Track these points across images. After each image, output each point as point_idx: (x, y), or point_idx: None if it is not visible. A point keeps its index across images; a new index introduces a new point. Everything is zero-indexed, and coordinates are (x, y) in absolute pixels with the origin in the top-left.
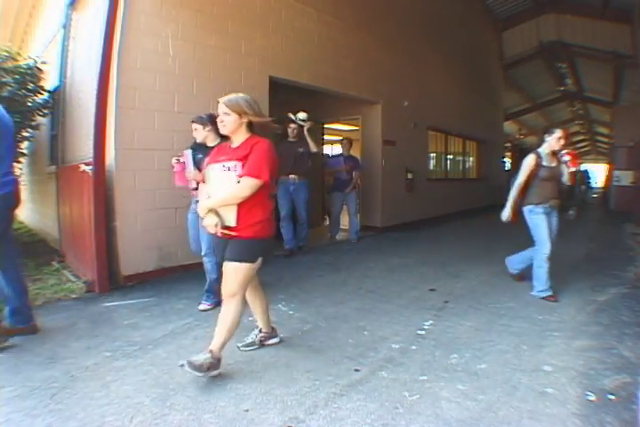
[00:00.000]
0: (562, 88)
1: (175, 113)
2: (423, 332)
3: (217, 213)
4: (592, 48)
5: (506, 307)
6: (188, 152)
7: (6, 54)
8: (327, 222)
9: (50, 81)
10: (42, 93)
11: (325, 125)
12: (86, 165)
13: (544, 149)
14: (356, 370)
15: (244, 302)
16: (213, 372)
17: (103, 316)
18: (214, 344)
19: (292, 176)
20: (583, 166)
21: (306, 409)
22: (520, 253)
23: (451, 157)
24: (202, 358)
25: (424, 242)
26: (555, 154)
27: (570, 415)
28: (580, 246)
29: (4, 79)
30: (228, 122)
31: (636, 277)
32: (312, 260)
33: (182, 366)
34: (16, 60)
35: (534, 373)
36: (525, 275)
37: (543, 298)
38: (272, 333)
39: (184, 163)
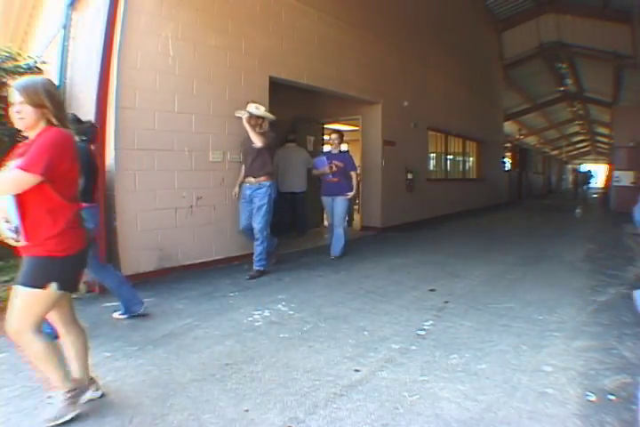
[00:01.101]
0: (562, 88)
1: (175, 113)
2: (423, 332)
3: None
4: (592, 48)
5: (506, 307)
6: None
7: (6, 54)
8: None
9: None
10: None
11: (325, 126)
12: None
13: None
14: (356, 370)
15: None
16: (80, 400)
17: (103, 316)
18: (54, 383)
19: (247, 179)
20: (586, 167)
21: (306, 409)
22: None
23: (451, 157)
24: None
25: (424, 242)
26: None
27: (570, 416)
28: (580, 247)
29: (3, 79)
30: (27, 114)
31: (635, 278)
32: (312, 260)
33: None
34: (16, 60)
35: (534, 373)
36: None
37: None
38: (89, 384)
39: None
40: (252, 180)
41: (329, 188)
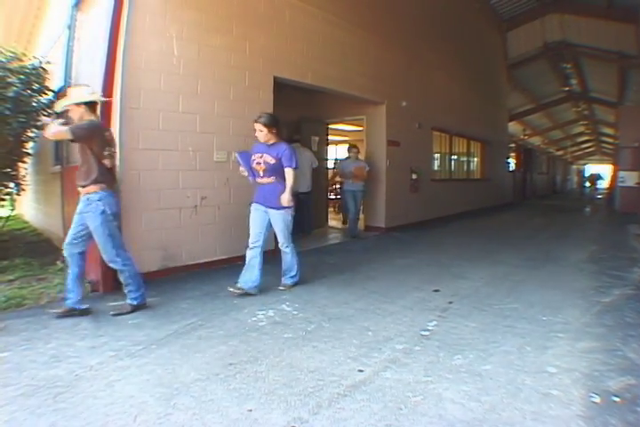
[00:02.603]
0: (566, 88)
1: (180, 113)
2: (427, 333)
3: None
4: (597, 48)
5: (510, 308)
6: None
7: (12, 55)
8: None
9: (55, 81)
10: (47, 94)
11: (330, 126)
12: None
13: None
14: (360, 371)
15: None
16: None
17: (107, 315)
18: None
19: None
20: (590, 169)
21: (309, 409)
22: None
23: (455, 157)
24: None
25: (428, 243)
26: None
27: (574, 417)
28: (585, 248)
29: (9, 79)
30: None
31: None
32: (316, 260)
33: None
34: (21, 60)
35: (538, 374)
36: None
37: None
38: None
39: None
40: (79, 190)
41: (259, 192)
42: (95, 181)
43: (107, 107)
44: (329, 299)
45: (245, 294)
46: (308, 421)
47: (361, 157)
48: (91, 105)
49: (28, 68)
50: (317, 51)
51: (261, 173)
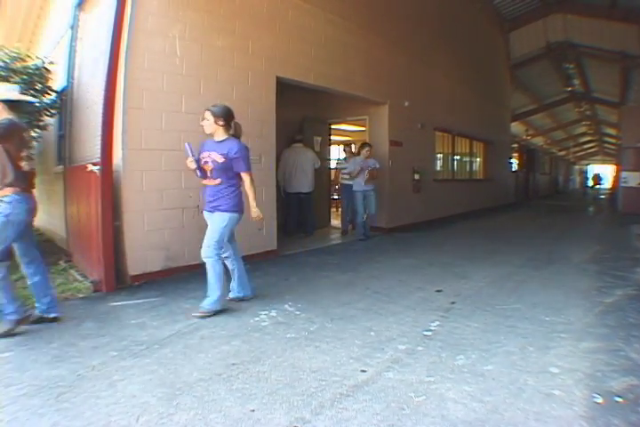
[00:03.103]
0: (569, 89)
1: (182, 113)
2: (430, 333)
3: None
4: (599, 48)
5: (512, 308)
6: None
7: (15, 55)
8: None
9: (57, 81)
10: (49, 94)
11: (332, 126)
12: (94, 165)
13: None
14: (363, 371)
15: None
16: None
17: (110, 315)
18: None
19: None
20: (593, 170)
21: (312, 410)
22: None
23: (457, 157)
24: None
25: (431, 243)
26: None
27: (576, 418)
28: (587, 248)
29: (12, 80)
30: None
31: None
32: (319, 260)
33: None
34: (24, 60)
35: (541, 374)
36: None
37: None
38: None
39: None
40: None
41: (204, 196)
42: (9, 185)
43: (109, 107)
44: (331, 299)
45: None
46: (310, 421)
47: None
48: (12, 105)
49: (31, 69)
50: (320, 51)
51: (209, 174)
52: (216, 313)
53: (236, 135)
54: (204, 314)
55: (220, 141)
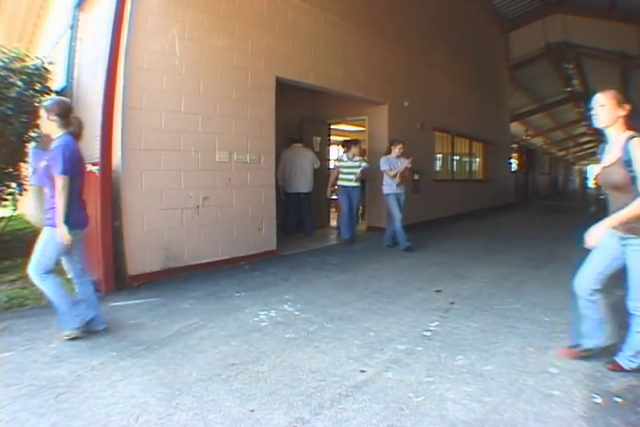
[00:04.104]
0: (568, 89)
1: (182, 113)
2: (429, 333)
3: None
4: (599, 49)
5: (512, 308)
6: None
7: (14, 55)
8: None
9: (57, 81)
10: (49, 94)
11: (332, 126)
12: (93, 165)
13: None
14: (362, 371)
15: None
16: None
17: (109, 315)
18: None
19: None
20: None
21: (311, 410)
22: None
23: (457, 157)
24: None
25: (430, 243)
26: None
27: (576, 418)
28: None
29: (11, 80)
30: None
31: None
32: (318, 261)
33: None
34: (24, 60)
35: (540, 375)
36: None
37: None
38: None
39: None
40: None
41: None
42: None
43: (109, 107)
44: (331, 299)
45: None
46: (309, 421)
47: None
48: None
49: (31, 69)
50: (319, 51)
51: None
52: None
53: (74, 133)
54: (69, 336)
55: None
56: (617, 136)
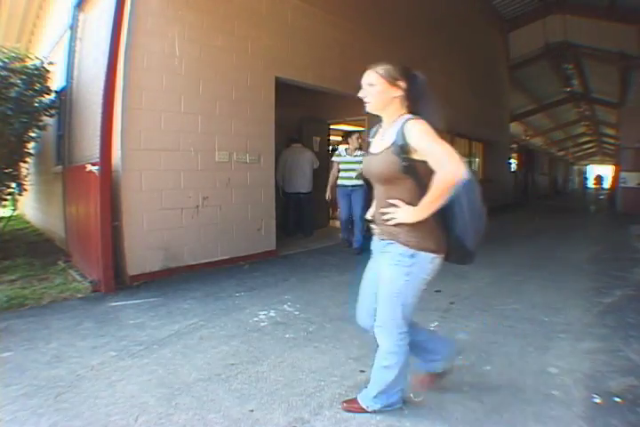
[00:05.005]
0: (568, 89)
1: (182, 113)
2: None
3: None
4: (599, 49)
5: (511, 308)
6: None
7: (14, 55)
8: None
9: (57, 81)
10: (49, 94)
11: (331, 126)
12: (93, 165)
13: None
14: (362, 371)
15: None
16: None
17: (109, 315)
18: None
19: None
20: (592, 170)
21: (311, 410)
22: None
23: None
24: None
25: None
26: None
27: (575, 418)
28: (586, 248)
29: (11, 80)
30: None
31: None
32: (318, 261)
33: None
34: (23, 60)
35: (540, 375)
36: None
37: None
38: None
39: None
40: None
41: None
42: None
43: (108, 107)
44: (330, 299)
45: None
46: (309, 421)
47: None
48: None
49: (30, 69)
50: (319, 51)
51: None
52: None
53: None
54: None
55: None
56: (392, 120)
